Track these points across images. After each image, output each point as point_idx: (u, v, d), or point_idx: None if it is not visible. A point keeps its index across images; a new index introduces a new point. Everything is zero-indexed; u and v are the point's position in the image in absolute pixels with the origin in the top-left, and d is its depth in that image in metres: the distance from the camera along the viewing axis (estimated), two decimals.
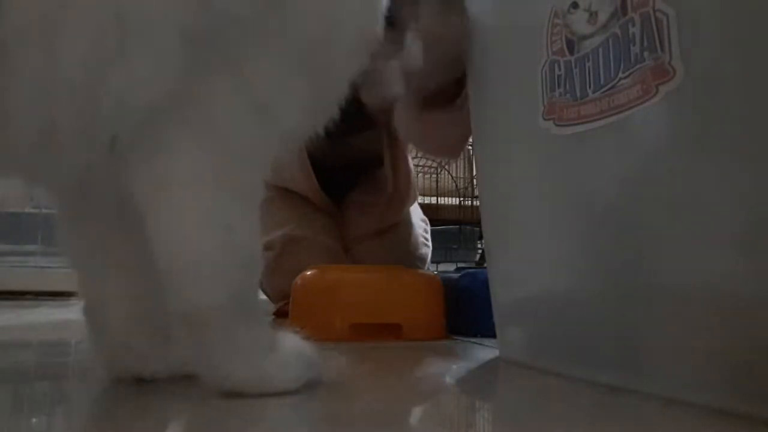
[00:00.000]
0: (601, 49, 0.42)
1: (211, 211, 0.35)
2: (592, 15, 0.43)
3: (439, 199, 2.16)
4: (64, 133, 0.32)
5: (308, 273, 0.76)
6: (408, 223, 1.15)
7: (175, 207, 0.34)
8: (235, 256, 0.35)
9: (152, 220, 0.35)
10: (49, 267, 1.43)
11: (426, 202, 1.98)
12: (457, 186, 2.18)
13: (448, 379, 0.48)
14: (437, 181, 2.17)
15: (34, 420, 0.33)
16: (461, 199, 2.53)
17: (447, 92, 0.67)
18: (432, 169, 2.11)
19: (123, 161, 0.34)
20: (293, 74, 0.38)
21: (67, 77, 0.30)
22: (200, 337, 0.35)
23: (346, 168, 1.17)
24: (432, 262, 1.31)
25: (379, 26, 0.44)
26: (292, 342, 0.40)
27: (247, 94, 0.36)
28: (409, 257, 1.09)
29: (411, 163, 1.19)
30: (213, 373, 0.36)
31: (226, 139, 0.36)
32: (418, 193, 1.26)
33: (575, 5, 0.44)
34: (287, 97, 0.38)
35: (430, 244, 1.17)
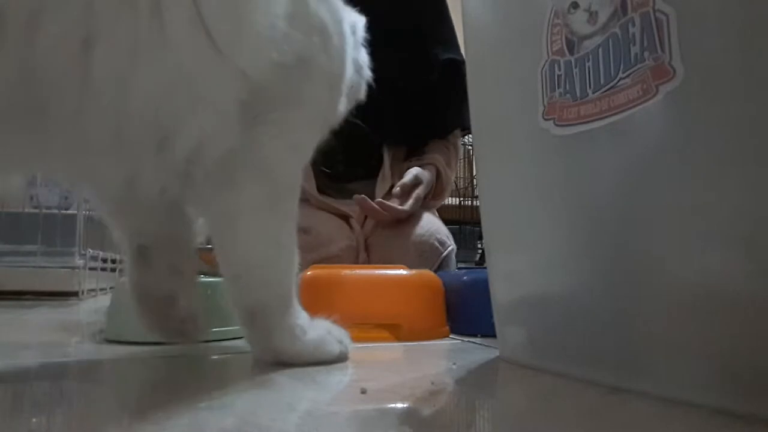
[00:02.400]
0: (601, 49, 0.42)
1: (268, 233, 0.48)
2: (592, 15, 0.43)
3: None
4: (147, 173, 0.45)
5: (308, 273, 0.76)
6: (417, 216, 1.17)
7: (242, 231, 0.47)
8: (285, 265, 0.49)
9: (223, 240, 0.48)
10: (49, 267, 1.43)
11: None
12: (457, 186, 2.18)
13: (448, 379, 0.48)
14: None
15: (33, 420, 0.33)
16: (461, 199, 2.53)
17: None
18: None
19: (197, 193, 0.48)
20: (313, 121, 0.51)
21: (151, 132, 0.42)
22: (261, 324, 0.49)
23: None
24: None
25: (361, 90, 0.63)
26: (324, 324, 0.53)
27: (287, 138, 0.48)
28: (420, 247, 1.11)
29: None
30: (269, 350, 0.49)
31: (275, 175, 0.48)
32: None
33: (575, 5, 0.44)
34: (312, 137, 0.52)
35: (448, 240, 1.17)
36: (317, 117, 0.52)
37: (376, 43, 1.26)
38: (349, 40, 0.56)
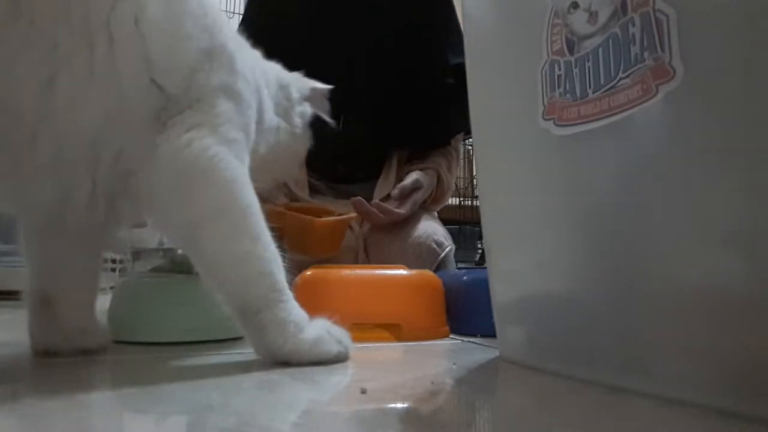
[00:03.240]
0: (601, 49, 0.42)
1: (231, 232, 0.49)
2: (592, 15, 0.43)
3: None
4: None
5: (308, 273, 0.76)
6: (415, 218, 1.17)
7: (205, 237, 0.48)
8: (261, 258, 0.49)
9: (194, 250, 0.49)
10: None
11: None
12: (457, 186, 2.18)
13: (448, 379, 0.48)
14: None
15: (33, 420, 0.33)
16: (461, 199, 2.53)
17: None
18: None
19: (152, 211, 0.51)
20: (230, 128, 0.54)
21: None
22: (254, 323, 0.49)
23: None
24: None
25: None
26: (323, 324, 0.53)
27: (209, 138, 0.51)
28: (417, 249, 1.11)
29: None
30: (264, 347, 0.50)
31: (214, 176, 0.50)
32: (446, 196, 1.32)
33: (575, 5, 0.44)
34: (235, 139, 0.54)
35: (446, 241, 1.18)
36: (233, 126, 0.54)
37: (382, 45, 1.27)
38: (264, 90, 0.64)
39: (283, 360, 0.50)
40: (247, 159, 0.55)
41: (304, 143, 0.75)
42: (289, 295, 0.51)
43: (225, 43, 0.54)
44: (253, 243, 0.49)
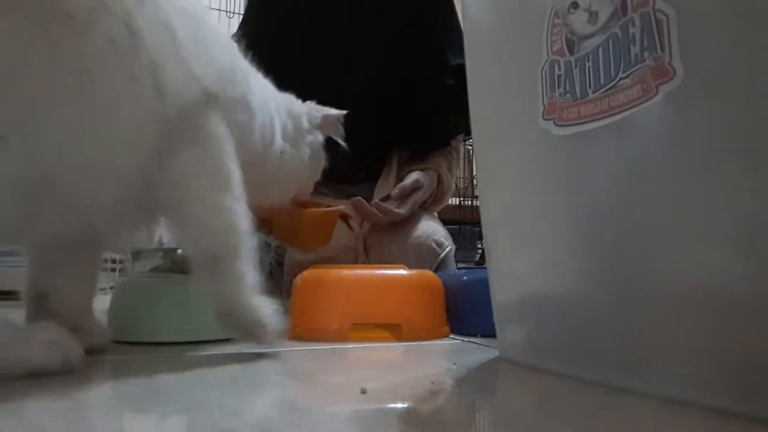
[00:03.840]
0: (601, 49, 0.42)
1: (214, 192, 0.53)
2: (592, 15, 0.43)
3: None
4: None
5: (308, 273, 0.76)
6: (415, 218, 1.17)
7: (192, 189, 0.52)
8: (240, 216, 0.54)
9: (175, 199, 0.52)
10: None
11: None
12: (457, 186, 2.18)
13: (448, 379, 0.48)
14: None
15: (33, 420, 0.33)
16: (461, 199, 2.53)
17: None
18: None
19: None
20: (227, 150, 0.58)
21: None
22: (214, 270, 0.52)
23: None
24: None
25: None
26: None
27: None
28: (417, 249, 1.11)
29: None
30: (220, 298, 0.52)
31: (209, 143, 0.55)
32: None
33: (575, 5, 0.44)
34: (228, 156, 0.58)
35: (446, 241, 1.18)
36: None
37: (383, 46, 1.27)
38: (277, 119, 0.70)
39: (230, 312, 0.53)
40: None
41: (314, 167, 0.79)
42: (249, 257, 0.54)
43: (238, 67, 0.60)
44: (235, 201, 0.54)
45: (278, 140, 0.71)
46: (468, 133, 1.33)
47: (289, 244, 0.91)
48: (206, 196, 0.53)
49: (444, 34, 1.23)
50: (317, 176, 0.83)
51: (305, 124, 0.78)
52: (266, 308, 0.55)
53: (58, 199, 0.47)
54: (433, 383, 0.45)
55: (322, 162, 0.81)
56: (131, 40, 0.47)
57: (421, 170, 1.22)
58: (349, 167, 1.26)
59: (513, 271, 0.55)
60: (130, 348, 0.62)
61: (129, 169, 0.49)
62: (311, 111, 0.79)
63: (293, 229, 0.90)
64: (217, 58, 0.57)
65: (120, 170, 0.49)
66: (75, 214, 0.49)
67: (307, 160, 0.77)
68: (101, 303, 0.68)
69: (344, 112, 0.83)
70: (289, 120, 0.74)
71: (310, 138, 0.78)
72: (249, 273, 0.54)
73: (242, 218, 0.54)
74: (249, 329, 0.54)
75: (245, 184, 0.58)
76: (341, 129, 0.82)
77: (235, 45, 0.64)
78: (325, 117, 0.80)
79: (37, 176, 0.44)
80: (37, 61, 0.42)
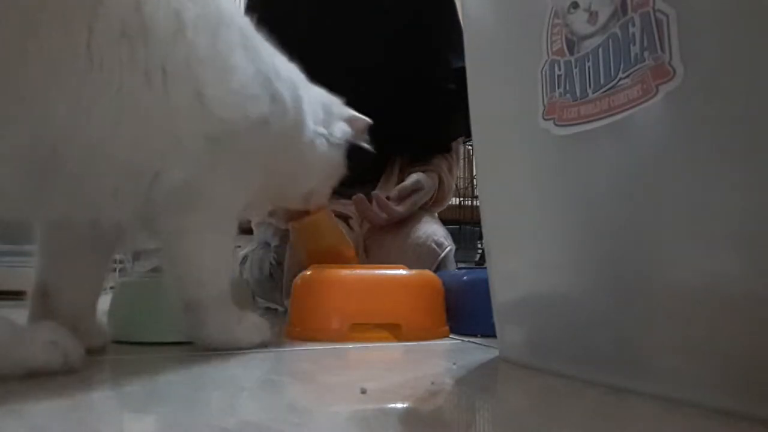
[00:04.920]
0: (601, 49, 0.42)
1: (206, 246, 0.58)
2: (592, 15, 0.43)
3: None
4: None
5: (308, 273, 0.76)
6: (415, 219, 1.17)
7: (186, 243, 0.57)
8: (216, 270, 0.60)
9: (172, 250, 0.58)
10: None
11: None
12: (457, 186, 2.18)
13: (448, 379, 0.48)
14: None
15: (33, 420, 0.33)
16: (461, 199, 2.53)
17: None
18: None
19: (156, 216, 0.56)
20: (255, 165, 0.63)
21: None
22: (198, 316, 0.58)
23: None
24: None
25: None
26: (252, 317, 0.63)
27: (231, 176, 0.59)
28: (417, 249, 1.11)
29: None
30: (204, 338, 0.59)
31: (218, 202, 0.59)
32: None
33: (575, 5, 0.44)
34: (252, 177, 0.63)
35: (446, 241, 1.17)
36: (258, 163, 0.63)
37: (384, 49, 1.26)
38: (309, 116, 0.71)
39: (214, 349, 0.59)
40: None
41: (339, 159, 0.78)
42: (228, 298, 0.60)
43: (270, 68, 0.61)
44: (217, 258, 0.60)
45: (310, 124, 0.71)
46: (469, 136, 1.34)
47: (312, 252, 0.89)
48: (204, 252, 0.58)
49: (445, 36, 1.23)
50: (338, 175, 0.80)
51: (335, 110, 0.77)
52: (245, 326, 0.61)
53: (64, 179, 0.48)
54: (433, 383, 0.45)
55: (342, 162, 0.79)
56: (140, 29, 0.48)
57: (422, 172, 1.22)
58: (349, 169, 1.26)
59: (513, 271, 0.55)
60: (130, 348, 0.62)
61: (129, 162, 0.51)
62: (341, 107, 0.79)
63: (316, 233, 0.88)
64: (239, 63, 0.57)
65: (119, 161, 0.50)
66: (78, 198, 0.50)
67: (336, 144, 0.76)
68: (101, 303, 0.68)
69: (370, 121, 0.83)
70: (320, 108, 0.74)
71: (340, 124, 0.77)
72: (229, 312, 0.60)
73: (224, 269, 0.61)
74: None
75: (272, 174, 0.63)
76: (366, 135, 0.83)
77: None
78: (353, 118, 0.80)
79: (47, 150, 0.45)
80: (48, 40, 0.44)
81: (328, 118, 0.75)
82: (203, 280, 0.58)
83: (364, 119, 0.82)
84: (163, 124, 0.51)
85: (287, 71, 0.67)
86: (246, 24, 0.62)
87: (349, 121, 0.79)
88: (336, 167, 0.78)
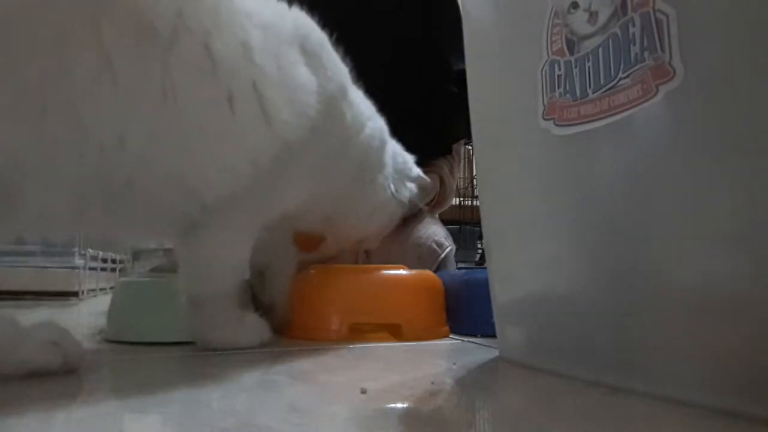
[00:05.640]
0: (601, 49, 0.42)
1: (226, 249, 0.60)
2: (592, 15, 0.43)
3: None
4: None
5: (308, 273, 0.76)
6: (416, 219, 1.17)
7: (207, 243, 0.59)
8: (232, 269, 0.61)
9: (191, 247, 0.59)
10: (49, 267, 1.43)
11: None
12: (457, 186, 2.18)
13: (448, 379, 0.48)
14: None
15: (33, 420, 0.33)
16: (461, 199, 2.53)
17: None
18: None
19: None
20: (307, 179, 0.65)
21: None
22: (201, 313, 0.59)
23: None
24: None
25: None
26: (252, 318, 0.64)
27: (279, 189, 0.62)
28: (418, 249, 1.11)
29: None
30: (205, 336, 0.60)
31: (253, 213, 0.61)
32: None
33: (575, 5, 0.44)
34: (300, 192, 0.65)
35: (446, 242, 1.17)
36: (307, 180, 0.64)
37: (386, 51, 1.26)
38: (390, 165, 0.74)
39: (214, 348, 0.60)
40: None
41: (398, 215, 0.79)
42: (233, 297, 0.61)
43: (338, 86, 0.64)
44: (234, 256, 0.61)
45: (389, 170, 0.75)
46: (470, 138, 1.34)
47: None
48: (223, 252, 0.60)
49: (448, 40, 1.23)
50: (390, 228, 0.82)
51: (409, 171, 0.80)
52: (245, 327, 0.61)
53: (128, 206, 0.51)
54: (433, 383, 0.45)
55: (399, 215, 0.81)
56: (210, 62, 0.50)
57: (424, 173, 1.22)
58: None
59: (513, 271, 0.55)
60: (130, 348, 0.62)
61: (194, 186, 0.54)
62: (413, 165, 0.82)
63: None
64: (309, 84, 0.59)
65: (186, 186, 0.53)
66: (133, 221, 0.55)
67: (394, 204, 0.77)
68: (101, 303, 0.68)
69: (432, 184, 0.86)
70: (396, 160, 0.78)
71: (410, 185, 0.80)
72: (233, 310, 0.61)
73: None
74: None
75: (326, 199, 0.66)
76: (428, 197, 0.87)
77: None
78: (420, 179, 0.82)
79: (122, 181, 0.49)
80: (127, 73, 0.46)
81: (399, 175, 0.78)
82: (212, 276, 0.59)
83: (427, 180, 0.84)
84: (231, 148, 0.54)
85: (363, 103, 0.71)
86: (315, 41, 0.64)
87: (416, 180, 0.82)
88: (392, 221, 0.79)
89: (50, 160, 0.45)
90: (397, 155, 0.78)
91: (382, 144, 0.73)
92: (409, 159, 0.81)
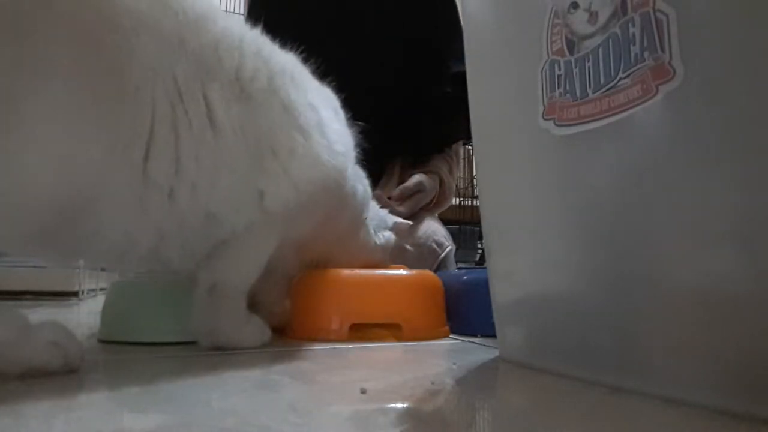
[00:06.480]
0: (601, 49, 0.42)
1: (252, 249, 0.63)
2: (592, 15, 0.43)
3: None
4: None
5: (308, 273, 0.76)
6: (416, 219, 1.17)
7: (241, 243, 0.62)
8: (256, 271, 0.63)
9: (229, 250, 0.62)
10: (49, 267, 1.43)
11: None
12: (457, 186, 2.18)
13: (448, 379, 0.48)
14: None
15: (33, 420, 0.33)
16: (461, 199, 2.53)
17: None
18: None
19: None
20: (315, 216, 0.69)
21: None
22: (217, 306, 0.60)
23: None
24: None
25: None
26: (255, 319, 0.64)
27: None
28: (418, 249, 1.11)
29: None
30: (210, 334, 0.60)
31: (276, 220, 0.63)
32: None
33: (575, 5, 0.44)
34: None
35: (446, 241, 1.18)
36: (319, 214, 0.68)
37: (389, 53, 1.26)
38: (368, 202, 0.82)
39: (223, 348, 0.60)
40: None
41: (382, 258, 0.86)
42: (245, 295, 0.63)
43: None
44: (258, 254, 0.64)
45: (366, 213, 0.82)
46: (469, 139, 1.34)
47: None
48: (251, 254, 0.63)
49: (447, 42, 1.23)
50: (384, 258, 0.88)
51: (388, 220, 0.88)
52: (252, 327, 0.63)
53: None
54: (433, 383, 0.45)
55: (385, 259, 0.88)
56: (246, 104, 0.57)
57: (423, 173, 1.22)
58: None
59: (513, 271, 0.55)
60: (129, 348, 0.62)
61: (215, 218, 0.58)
62: (387, 215, 0.90)
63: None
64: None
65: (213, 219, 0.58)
66: (151, 252, 0.58)
67: (372, 246, 0.84)
68: (101, 303, 0.68)
69: (410, 223, 0.92)
70: (377, 212, 0.87)
71: (386, 234, 0.87)
72: (244, 306, 0.62)
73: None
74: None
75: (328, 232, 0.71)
76: (412, 239, 0.93)
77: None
78: (396, 225, 0.89)
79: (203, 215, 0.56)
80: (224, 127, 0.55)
81: (380, 223, 0.86)
82: (241, 270, 0.62)
83: (406, 224, 0.91)
84: (253, 179, 0.59)
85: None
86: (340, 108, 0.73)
87: (394, 228, 0.88)
88: (377, 264, 0.85)
89: (145, 202, 0.51)
90: (376, 208, 0.88)
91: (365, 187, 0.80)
92: (384, 210, 0.90)
